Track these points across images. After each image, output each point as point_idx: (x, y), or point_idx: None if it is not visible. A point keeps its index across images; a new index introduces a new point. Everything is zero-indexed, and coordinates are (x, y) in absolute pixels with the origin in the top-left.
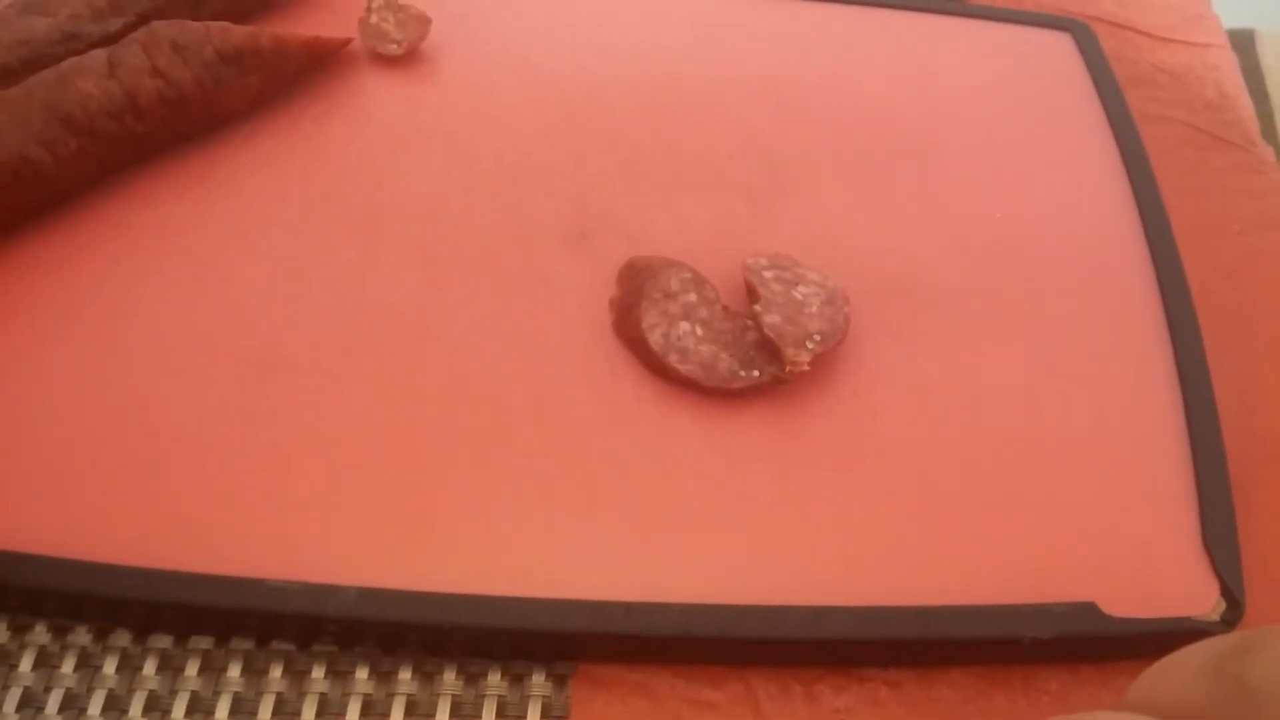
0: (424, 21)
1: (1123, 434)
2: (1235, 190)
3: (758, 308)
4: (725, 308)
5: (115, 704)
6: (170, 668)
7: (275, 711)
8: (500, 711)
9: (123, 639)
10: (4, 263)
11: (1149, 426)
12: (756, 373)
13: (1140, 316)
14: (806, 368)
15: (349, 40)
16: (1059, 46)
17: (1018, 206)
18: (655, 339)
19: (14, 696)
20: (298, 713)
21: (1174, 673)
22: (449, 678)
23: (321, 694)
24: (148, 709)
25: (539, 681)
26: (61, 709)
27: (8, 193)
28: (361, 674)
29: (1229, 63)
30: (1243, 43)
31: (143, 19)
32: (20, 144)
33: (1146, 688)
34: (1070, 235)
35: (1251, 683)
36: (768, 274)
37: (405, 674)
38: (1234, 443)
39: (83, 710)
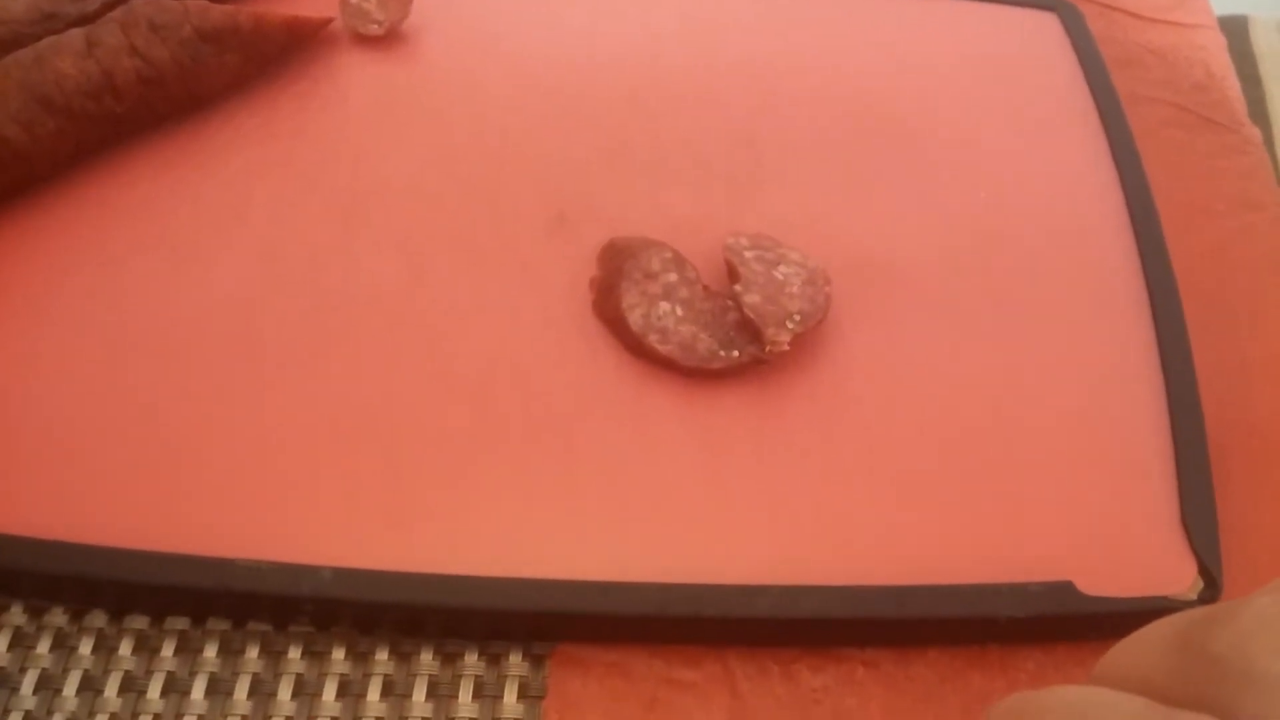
0: (405, 1)
1: (1103, 413)
2: (1221, 171)
3: (738, 287)
4: (706, 288)
5: (91, 684)
6: (146, 648)
7: (252, 692)
8: (477, 691)
9: (99, 619)
10: None
11: (1129, 406)
12: (736, 353)
13: (1123, 297)
14: (786, 348)
15: (329, 20)
16: (1045, 27)
17: (1001, 188)
18: (635, 319)
19: None
20: (274, 693)
21: (1141, 646)
22: (426, 658)
23: (298, 674)
24: (123, 689)
25: (516, 661)
26: (37, 689)
27: None
28: (338, 654)
29: (1216, 43)
30: (1236, 29)
31: None
32: None
33: (1114, 661)
34: (1054, 216)
35: (1216, 653)
36: (749, 254)
37: (382, 654)
38: (1214, 422)
39: (58, 691)
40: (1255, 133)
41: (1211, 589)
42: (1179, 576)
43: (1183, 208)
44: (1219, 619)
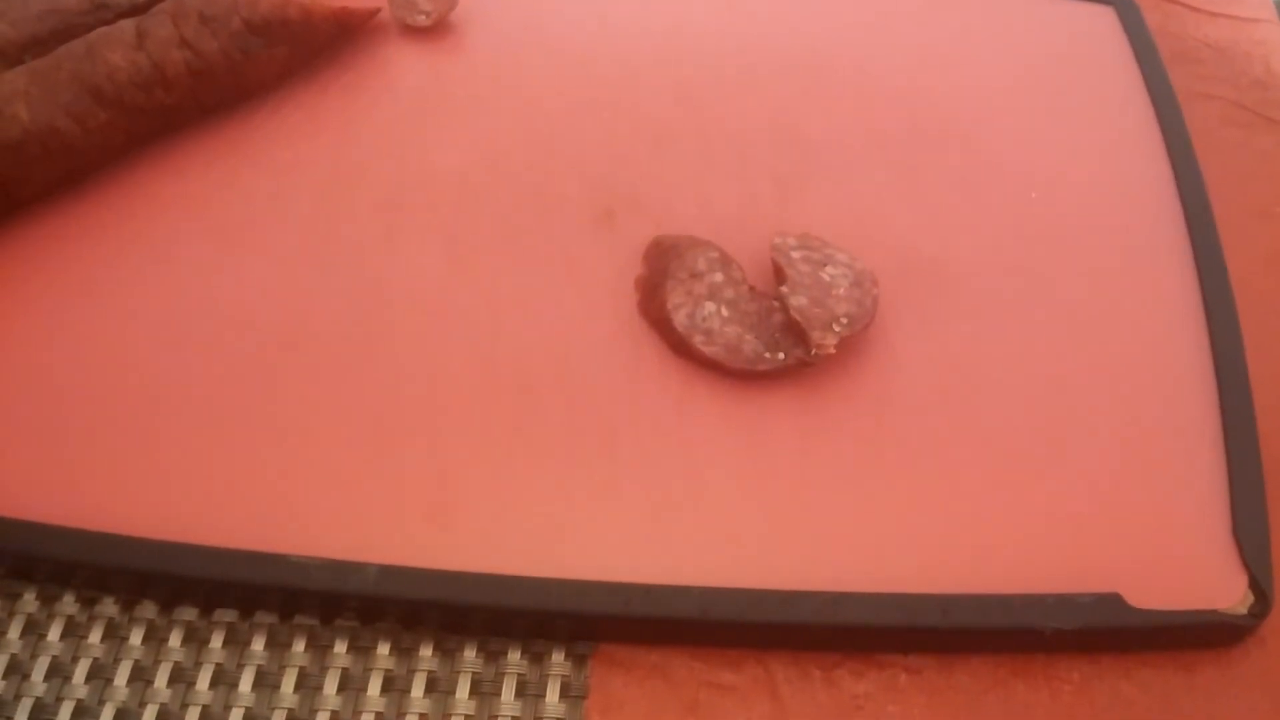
0: None
1: (1154, 422)
2: None
3: (784, 289)
4: (752, 288)
5: (141, 675)
6: (195, 640)
7: (298, 685)
8: (520, 690)
9: (149, 610)
10: (32, 233)
11: (1181, 415)
12: (782, 355)
13: (1177, 302)
14: (833, 351)
15: (377, 10)
16: (1101, 21)
17: (1053, 187)
18: (680, 319)
19: (42, 665)
20: (320, 687)
21: None
22: (469, 655)
23: (344, 669)
24: (173, 680)
25: (558, 660)
26: (89, 679)
27: (36, 164)
28: (383, 650)
29: (1277, 38)
30: None
31: None
32: (49, 115)
33: None
34: (1107, 218)
35: None
36: (795, 254)
37: (426, 650)
38: (1269, 433)
39: (109, 680)
40: None
41: (1262, 603)
42: (1229, 590)
43: (1240, 210)
44: None
